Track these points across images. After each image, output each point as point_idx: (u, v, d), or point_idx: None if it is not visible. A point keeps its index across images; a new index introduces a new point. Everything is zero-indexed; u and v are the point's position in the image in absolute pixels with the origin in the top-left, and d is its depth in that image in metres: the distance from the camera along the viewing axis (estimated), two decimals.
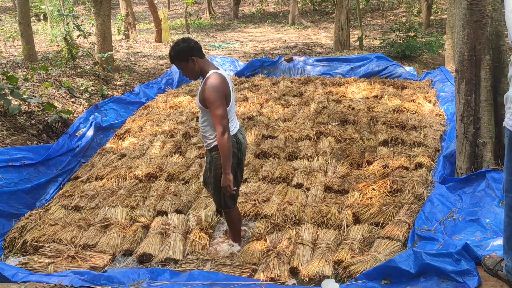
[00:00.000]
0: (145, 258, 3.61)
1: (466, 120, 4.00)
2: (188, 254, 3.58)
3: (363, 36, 12.60)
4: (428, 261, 2.74)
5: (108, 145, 6.01)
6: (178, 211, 4.23)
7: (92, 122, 6.18)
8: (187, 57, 3.12)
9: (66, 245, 3.70)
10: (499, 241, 2.96)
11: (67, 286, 2.85)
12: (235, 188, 3.32)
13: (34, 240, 3.79)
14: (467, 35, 3.88)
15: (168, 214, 4.11)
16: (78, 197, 4.55)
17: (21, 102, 6.17)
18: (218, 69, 3.21)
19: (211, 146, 3.30)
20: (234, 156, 3.31)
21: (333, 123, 6.11)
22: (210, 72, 3.15)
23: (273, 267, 3.31)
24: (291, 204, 4.14)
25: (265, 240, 3.65)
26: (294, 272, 3.35)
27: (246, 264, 3.40)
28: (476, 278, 2.62)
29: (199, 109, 3.28)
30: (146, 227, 3.97)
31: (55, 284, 2.88)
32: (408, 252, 2.92)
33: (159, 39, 14.98)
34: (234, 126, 3.33)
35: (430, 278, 2.73)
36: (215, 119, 3.10)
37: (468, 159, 4.04)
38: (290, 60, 9.50)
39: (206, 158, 3.47)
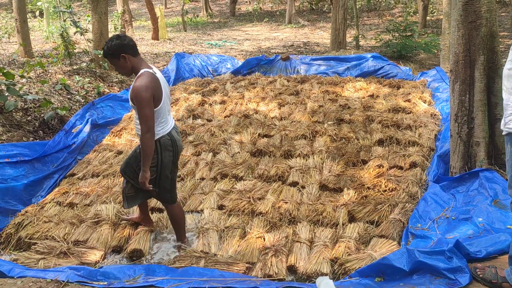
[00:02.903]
0: (135, 255, 3.63)
1: (460, 120, 4.04)
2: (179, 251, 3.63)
3: (360, 36, 12.65)
4: (421, 258, 2.78)
5: (104, 142, 6.02)
6: None
7: (88, 119, 6.18)
8: (119, 54, 3.18)
9: (59, 241, 3.70)
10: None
11: (63, 281, 2.86)
12: (151, 185, 3.35)
13: (28, 237, 3.80)
14: (462, 36, 3.92)
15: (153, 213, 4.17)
16: (73, 194, 4.55)
17: (17, 99, 6.16)
18: (151, 68, 3.27)
19: None
20: (171, 154, 3.39)
21: (329, 122, 6.14)
22: (141, 71, 3.21)
23: (271, 264, 3.33)
24: (286, 203, 4.16)
25: (263, 239, 3.67)
26: (292, 269, 3.37)
27: (240, 262, 3.42)
28: (467, 275, 2.66)
29: (132, 108, 3.34)
30: (135, 224, 3.99)
31: (52, 280, 2.88)
32: (402, 250, 2.96)
33: (155, 36, 14.97)
34: (170, 124, 3.40)
35: (423, 275, 2.77)
36: (140, 118, 3.15)
37: (462, 159, 4.09)
38: (286, 58, 9.52)
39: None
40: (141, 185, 3.32)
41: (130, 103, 3.27)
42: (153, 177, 3.38)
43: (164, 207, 3.85)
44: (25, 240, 3.79)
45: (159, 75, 3.29)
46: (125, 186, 3.61)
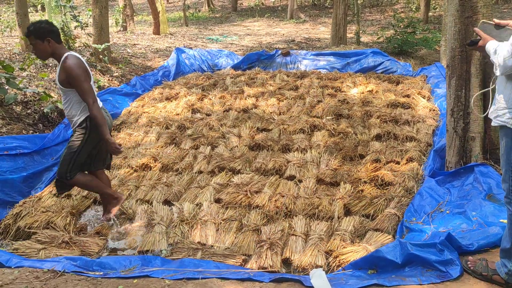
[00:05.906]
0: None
1: (456, 114, 4.06)
2: (176, 243, 3.65)
3: (361, 31, 12.63)
4: (413, 251, 2.81)
5: None
6: (166, 201, 4.31)
7: None
8: (44, 37, 3.34)
9: (59, 231, 3.75)
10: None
11: (59, 271, 2.90)
12: (120, 145, 3.59)
13: (26, 227, 3.84)
14: (459, 31, 3.93)
15: (154, 203, 4.23)
16: None
17: (17, 92, 6.19)
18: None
19: (77, 124, 3.52)
20: (98, 134, 3.53)
21: (328, 117, 6.15)
22: (65, 54, 3.37)
23: (266, 257, 3.35)
24: (283, 196, 4.18)
25: (260, 232, 3.69)
26: (287, 262, 3.39)
27: (236, 254, 3.45)
28: (458, 268, 2.69)
29: (60, 91, 3.50)
30: (133, 218, 4.04)
31: (48, 269, 2.92)
32: (395, 242, 2.99)
33: (157, 31, 14.96)
34: (99, 104, 3.56)
35: (415, 267, 2.81)
36: (83, 93, 3.34)
37: (457, 153, 4.11)
38: (287, 54, 9.53)
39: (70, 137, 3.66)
40: (113, 151, 3.55)
41: (60, 87, 3.42)
42: (73, 150, 3.53)
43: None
44: (24, 230, 3.83)
45: (82, 58, 3.47)
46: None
